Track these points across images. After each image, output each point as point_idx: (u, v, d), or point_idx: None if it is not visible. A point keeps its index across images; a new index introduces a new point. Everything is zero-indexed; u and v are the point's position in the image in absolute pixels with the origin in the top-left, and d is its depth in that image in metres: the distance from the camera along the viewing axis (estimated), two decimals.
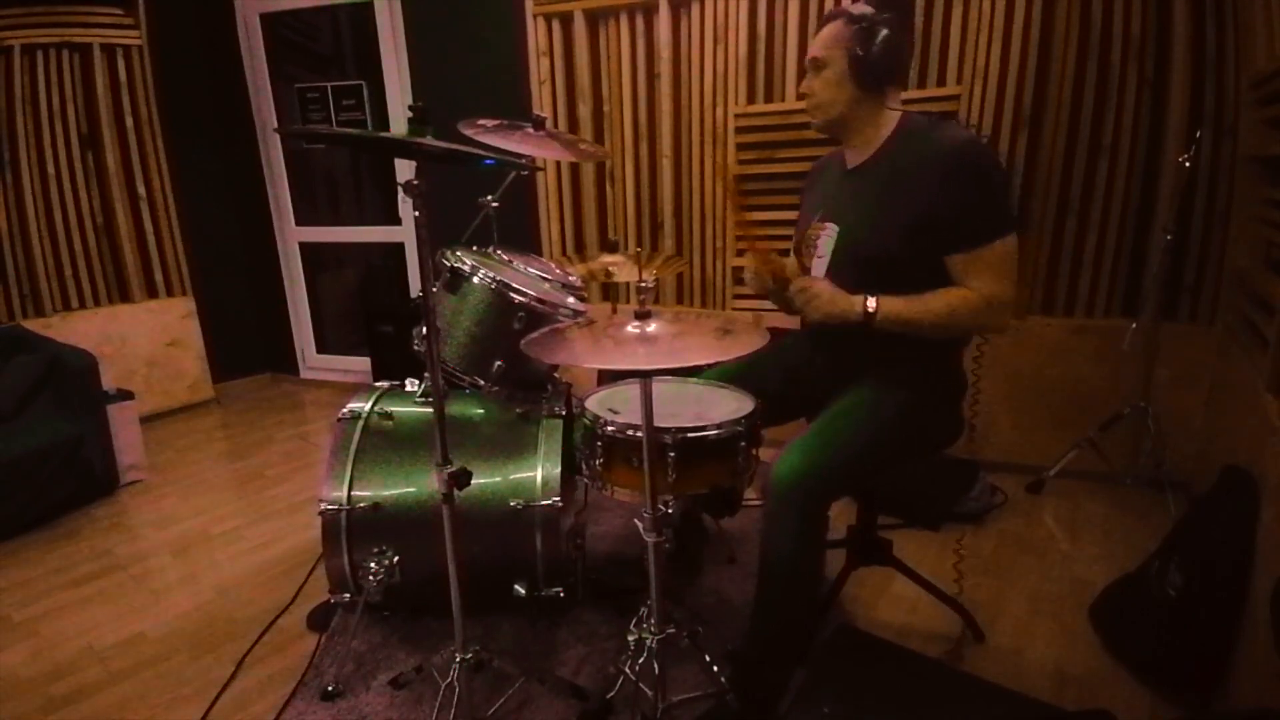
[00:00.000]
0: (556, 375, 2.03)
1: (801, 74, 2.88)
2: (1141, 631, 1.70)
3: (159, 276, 3.72)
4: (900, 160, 1.50)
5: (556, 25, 3.26)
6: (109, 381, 2.96)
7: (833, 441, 1.44)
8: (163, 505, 2.77)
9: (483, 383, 1.82)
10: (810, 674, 1.40)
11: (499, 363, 1.79)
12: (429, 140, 1.24)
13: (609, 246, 2.41)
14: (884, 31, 1.46)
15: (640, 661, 1.46)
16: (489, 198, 2.01)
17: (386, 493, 1.75)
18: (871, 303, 1.44)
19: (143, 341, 3.66)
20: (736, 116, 3.00)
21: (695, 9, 3.00)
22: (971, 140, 1.54)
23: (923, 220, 1.43)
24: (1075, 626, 1.87)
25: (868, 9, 1.50)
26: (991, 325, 1.49)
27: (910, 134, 1.53)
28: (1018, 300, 1.54)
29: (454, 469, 1.35)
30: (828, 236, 1.58)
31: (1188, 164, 2.29)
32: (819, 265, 1.59)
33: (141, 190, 3.61)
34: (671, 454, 1.37)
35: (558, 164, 3.39)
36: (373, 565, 1.70)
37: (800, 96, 1.60)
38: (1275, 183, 1.98)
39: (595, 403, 1.55)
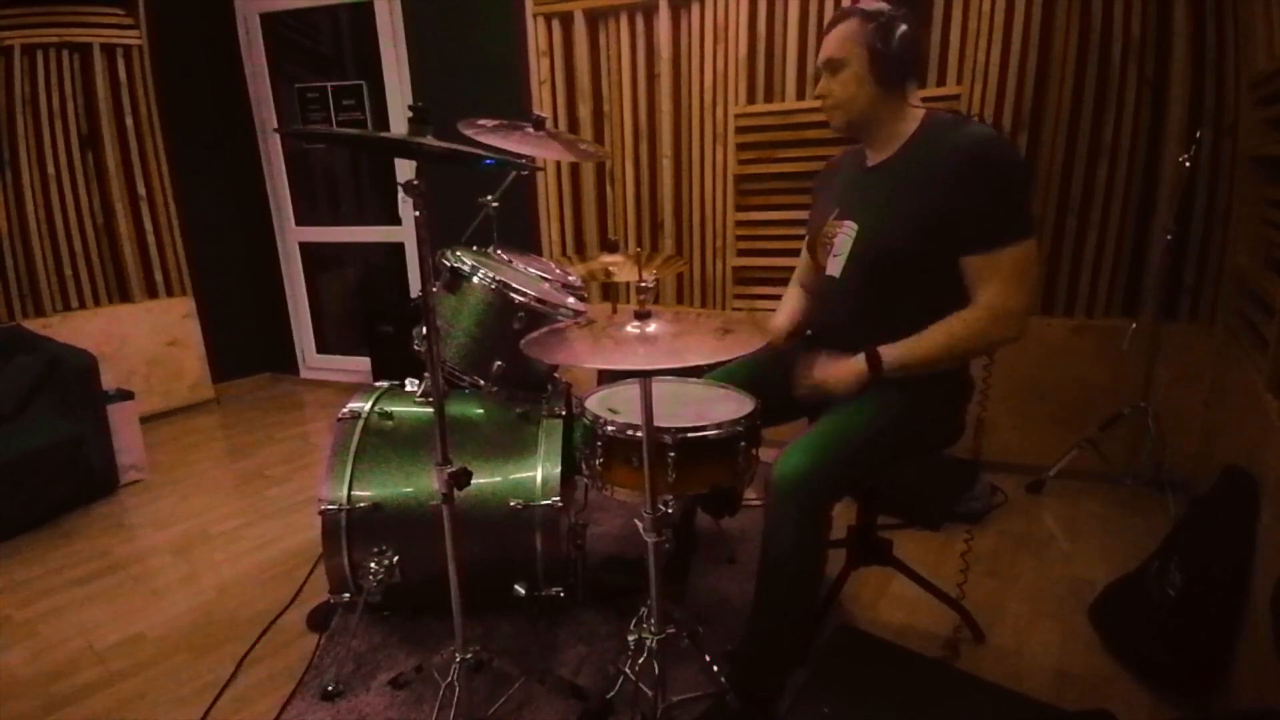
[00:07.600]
0: (556, 375, 2.03)
1: (802, 74, 2.91)
2: (1141, 631, 1.69)
3: (159, 276, 3.72)
4: (920, 157, 1.48)
5: (556, 25, 3.26)
6: (109, 381, 2.96)
7: (836, 441, 1.44)
8: (163, 505, 2.77)
9: (483, 383, 1.81)
10: (810, 674, 1.40)
11: (499, 363, 1.79)
12: (429, 140, 1.24)
13: (609, 246, 2.40)
14: (902, 26, 1.43)
15: (640, 661, 1.46)
16: (489, 198, 2.02)
17: (386, 493, 1.75)
18: (873, 357, 1.46)
19: (143, 341, 3.66)
20: (736, 116, 3.00)
21: (695, 9, 3.00)
22: (993, 137, 1.50)
23: (939, 217, 1.41)
24: (1075, 626, 1.87)
25: (883, 4, 1.47)
26: (1003, 338, 1.44)
27: (933, 131, 1.50)
28: (1031, 308, 1.50)
29: (454, 469, 1.35)
30: (845, 234, 1.56)
31: (1188, 164, 2.29)
32: (835, 263, 1.58)
33: (141, 190, 3.61)
34: (671, 454, 1.37)
35: (558, 164, 3.39)
36: (373, 565, 1.70)
37: (818, 98, 1.56)
38: (1275, 183, 1.98)
39: (595, 403, 1.55)
